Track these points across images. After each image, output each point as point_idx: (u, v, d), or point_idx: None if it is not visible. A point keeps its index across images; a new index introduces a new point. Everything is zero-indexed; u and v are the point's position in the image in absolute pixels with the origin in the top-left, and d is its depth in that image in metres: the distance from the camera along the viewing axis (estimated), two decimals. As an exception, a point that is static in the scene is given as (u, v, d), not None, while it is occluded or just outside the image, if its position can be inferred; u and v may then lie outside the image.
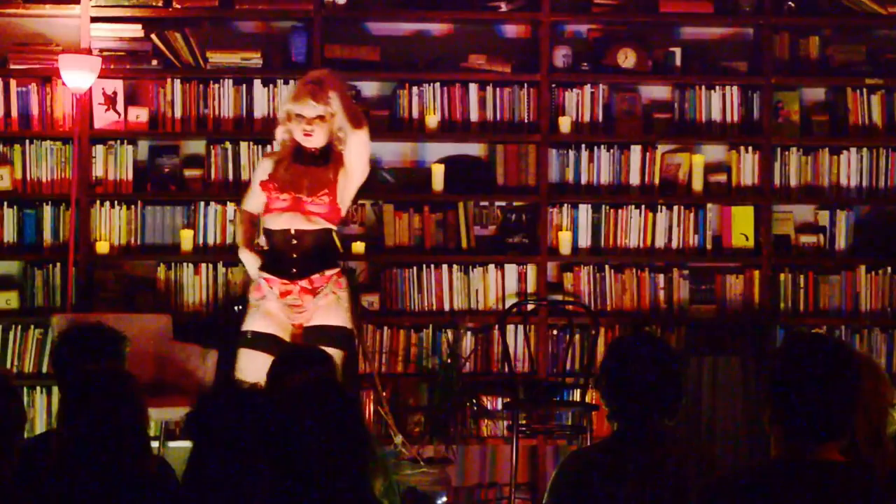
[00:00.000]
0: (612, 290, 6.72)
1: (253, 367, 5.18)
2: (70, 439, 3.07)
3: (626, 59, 6.72)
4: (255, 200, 5.60)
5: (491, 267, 6.70)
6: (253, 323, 5.41)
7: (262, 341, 5.34)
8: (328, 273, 5.42)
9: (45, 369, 6.44)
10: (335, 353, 5.13)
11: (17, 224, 6.53)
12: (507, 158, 6.73)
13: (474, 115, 6.71)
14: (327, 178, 5.44)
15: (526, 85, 6.72)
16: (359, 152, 5.50)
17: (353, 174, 5.52)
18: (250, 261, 5.53)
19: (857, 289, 6.79)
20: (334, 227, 5.52)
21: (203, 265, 6.56)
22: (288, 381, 3.74)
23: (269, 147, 6.49)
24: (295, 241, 5.40)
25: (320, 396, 2.91)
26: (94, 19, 6.52)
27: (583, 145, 6.73)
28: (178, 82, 6.58)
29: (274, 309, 5.40)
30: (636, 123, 6.78)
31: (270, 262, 5.45)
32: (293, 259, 5.40)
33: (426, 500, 5.75)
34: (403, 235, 6.69)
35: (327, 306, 5.39)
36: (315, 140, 5.44)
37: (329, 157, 5.48)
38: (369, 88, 6.80)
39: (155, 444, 5.92)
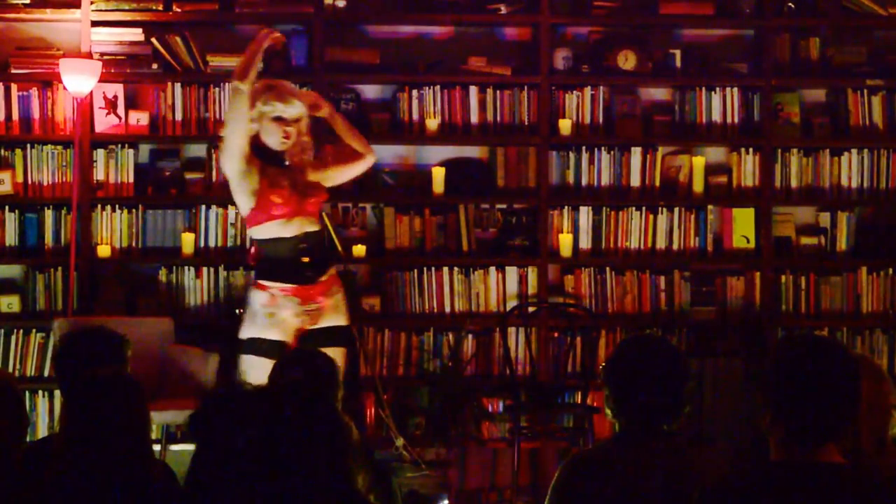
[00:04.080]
0: (613, 292, 6.72)
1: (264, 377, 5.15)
2: (72, 443, 3.07)
3: (627, 60, 6.72)
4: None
5: (492, 269, 6.70)
6: (266, 331, 5.19)
7: (275, 350, 5.14)
8: (331, 272, 5.33)
9: (47, 373, 6.45)
10: (340, 351, 5.15)
11: (18, 228, 6.54)
12: (508, 161, 6.74)
13: (474, 118, 6.71)
14: (310, 181, 5.31)
15: (526, 87, 6.73)
16: (353, 176, 5.51)
17: (330, 185, 5.47)
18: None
19: (859, 290, 6.79)
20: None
21: (204, 268, 6.56)
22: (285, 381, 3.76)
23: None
24: (304, 245, 5.22)
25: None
26: (95, 23, 6.53)
27: (583, 147, 6.74)
28: (178, 86, 6.58)
29: (287, 317, 5.21)
30: (636, 125, 6.78)
31: (277, 271, 5.21)
32: (305, 264, 5.23)
33: (427, 503, 5.75)
34: (404, 238, 6.70)
35: (333, 306, 5.29)
36: (289, 143, 5.24)
37: (284, 159, 5.30)
38: (369, 91, 6.81)
39: (157, 447, 5.93)
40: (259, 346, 5.18)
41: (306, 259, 5.22)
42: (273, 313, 5.19)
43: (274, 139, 5.22)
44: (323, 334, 5.25)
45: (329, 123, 5.55)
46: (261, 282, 5.24)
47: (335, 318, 5.29)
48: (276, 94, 5.22)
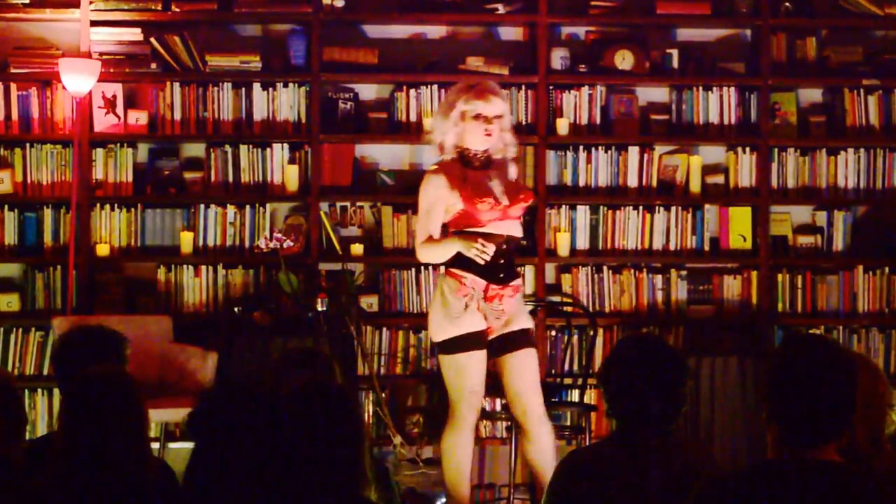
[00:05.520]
0: (610, 291, 6.73)
1: (480, 366, 5.00)
2: (71, 441, 3.08)
3: (624, 60, 6.73)
4: (434, 224, 5.02)
5: (489, 268, 6.70)
6: (466, 324, 4.98)
7: (479, 340, 5.02)
8: (520, 280, 5.17)
9: (46, 371, 6.46)
10: (532, 351, 5.08)
11: (17, 227, 6.55)
12: (506, 160, 6.74)
13: (472, 118, 6.71)
14: (514, 183, 5.13)
15: (524, 87, 6.74)
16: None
17: None
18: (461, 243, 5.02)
19: (855, 289, 6.80)
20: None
21: (203, 267, 6.58)
22: (290, 381, 3.76)
23: (268, 150, 6.60)
24: (505, 246, 5.04)
25: (319, 398, 2.92)
26: (94, 23, 6.54)
27: (580, 147, 6.75)
28: (177, 85, 6.59)
29: (476, 307, 5.02)
30: (634, 125, 6.79)
31: (473, 262, 4.96)
32: (500, 265, 5.04)
33: (425, 501, 5.76)
34: (402, 237, 6.70)
35: (520, 310, 5.13)
36: (492, 140, 5.06)
37: (490, 163, 5.12)
38: (367, 91, 6.82)
39: (155, 445, 5.94)
40: (466, 341, 5.01)
41: (502, 261, 5.04)
42: (466, 304, 5.00)
43: (476, 137, 5.05)
44: (517, 336, 5.10)
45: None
46: (453, 269, 5.01)
47: (524, 320, 5.12)
48: (476, 93, 5.06)
